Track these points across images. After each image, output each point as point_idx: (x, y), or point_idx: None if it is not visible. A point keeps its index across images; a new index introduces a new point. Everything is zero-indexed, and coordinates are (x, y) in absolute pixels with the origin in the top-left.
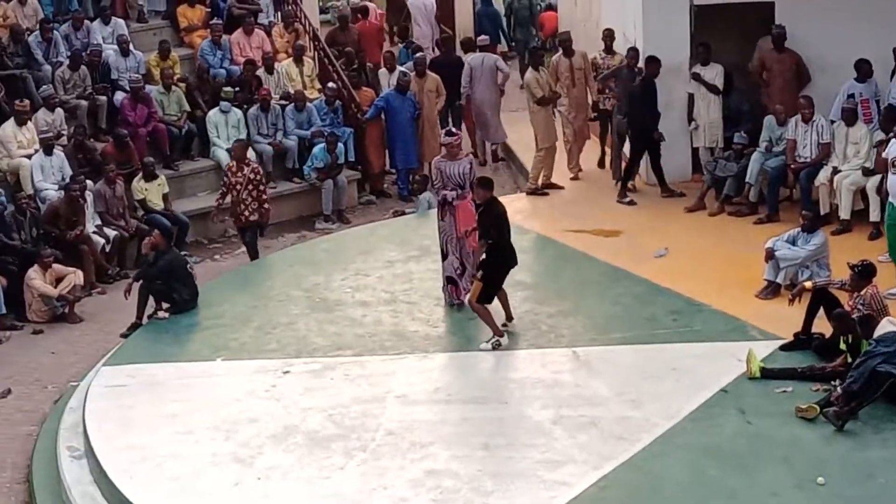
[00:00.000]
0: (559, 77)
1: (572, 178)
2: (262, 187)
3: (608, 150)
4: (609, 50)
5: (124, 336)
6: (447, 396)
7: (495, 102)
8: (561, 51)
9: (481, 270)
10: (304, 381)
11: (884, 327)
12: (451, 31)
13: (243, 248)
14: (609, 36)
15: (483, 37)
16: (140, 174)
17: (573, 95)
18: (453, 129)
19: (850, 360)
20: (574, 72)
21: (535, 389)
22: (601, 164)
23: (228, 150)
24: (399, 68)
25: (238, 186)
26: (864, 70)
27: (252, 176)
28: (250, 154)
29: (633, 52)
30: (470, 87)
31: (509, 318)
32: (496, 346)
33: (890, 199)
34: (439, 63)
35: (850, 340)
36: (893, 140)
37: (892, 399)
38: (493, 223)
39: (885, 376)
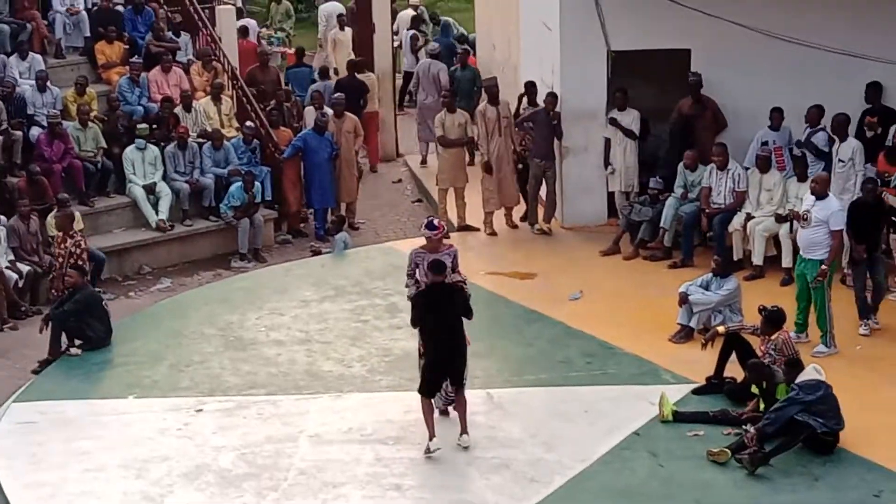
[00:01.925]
0: (486, 125)
1: (489, 234)
2: (80, 262)
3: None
4: (533, 103)
5: (35, 372)
6: (360, 436)
7: (439, 105)
8: (487, 98)
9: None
10: (216, 420)
11: (808, 374)
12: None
13: (158, 286)
14: (531, 87)
15: (433, 45)
16: (55, 210)
17: (498, 144)
18: (435, 221)
19: (762, 404)
20: (501, 119)
21: (448, 430)
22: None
23: (145, 187)
24: (326, 108)
25: (60, 259)
26: (776, 119)
27: (73, 249)
28: (163, 188)
29: (552, 96)
30: (416, 91)
31: (461, 430)
32: (426, 452)
33: (801, 252)
34: (344, 84)
35: (763, 386)
36: (805, 195)
37: (807, 447)
38: (418, 310)
39: (804, 426)
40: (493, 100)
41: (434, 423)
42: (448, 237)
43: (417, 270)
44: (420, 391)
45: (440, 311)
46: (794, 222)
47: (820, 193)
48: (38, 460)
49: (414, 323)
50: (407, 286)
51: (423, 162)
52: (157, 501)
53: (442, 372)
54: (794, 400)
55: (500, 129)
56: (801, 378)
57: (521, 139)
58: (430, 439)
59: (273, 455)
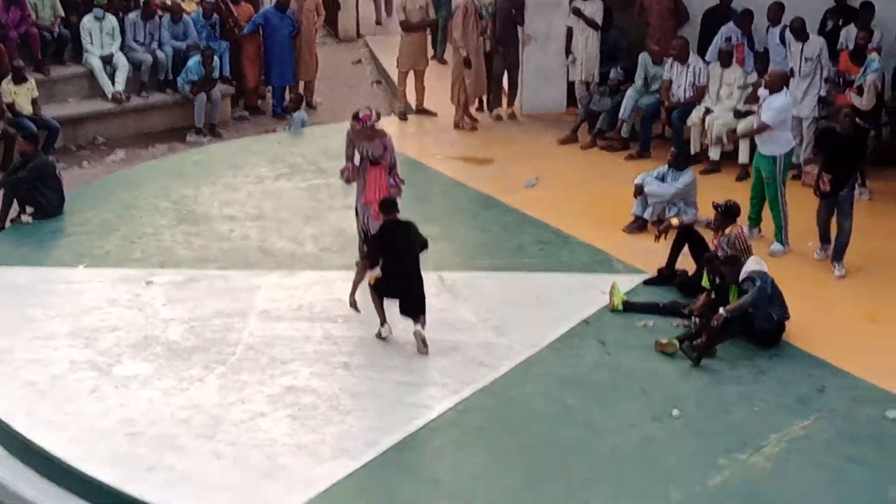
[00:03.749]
0: (465, 20)
1: (472, 129)
2: None
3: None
4: None
5: None
6: (310, 314)
7: None
8: None
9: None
10: (167, 292)
11: (750, 265)
12: None
13: (112, 157)
14: None
15: None
16: (9, 76)
17: (474, 39)
18: (361, 113)
19: (713, 297)
20: (476, 12)
21: (399, 318)
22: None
23: (101, 58)
24: None
25: None
26: (746, 21)
27: None
28: (120, 59)
29: None
30: None
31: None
32: (377, 336)
33: (758, 148)
34: None
35: (715, 280)
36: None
37: (750, 336)
38: (371, 247)
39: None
40: None
41: (385, 310)
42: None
43: (355, 153)
44: (373, 287)
45: (398, 251)
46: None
47: (771, 87)
48: None
49: (372, 263)
50: (341, 170)
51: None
52: (105, 371)
53: (403, 301)
54: (762, 289)
55: (476, 23)
56: (745, 270)
57: (484, 28)
58: (382, 325)
59: (222, 329)
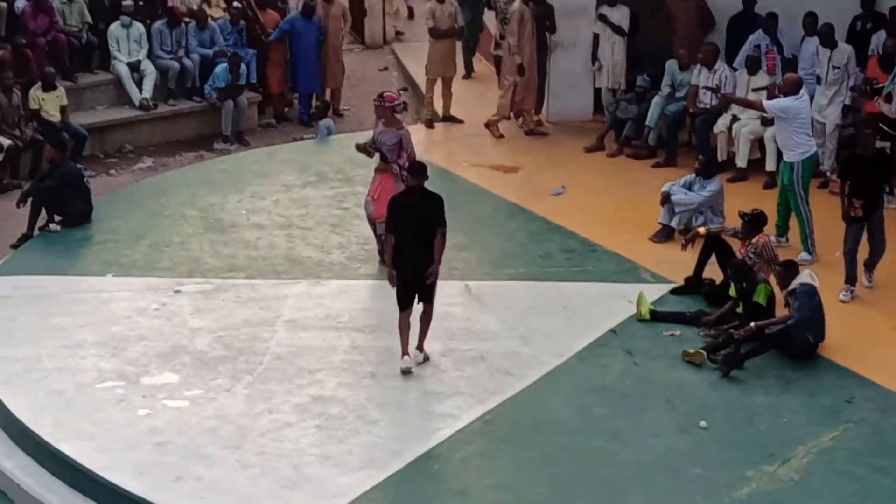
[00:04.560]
0: (522, 27)
1: (498, 136)
2: None
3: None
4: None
5: (14, 247)
6: (337, 324)
7: None
8: None
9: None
10: (194, 301)
11: (804, 278)
12: None
13: (140, 165)
14: None
15: None
16: (38, 84)
17: (529, 49)
18: (386, 93)
19: (740, 306)
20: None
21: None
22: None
23: (128, 65)
24: None
25: None
26: (771, 25)
27: None
28: (147, 67)
29: None
30: None
31: (418, 346)
32: (404, 371)
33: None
34: None
35: (742, 287)
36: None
37: (780, 348)
38: (394, 217)
39: (786, 337)
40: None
41: (408, 341)
42: (404, 109)
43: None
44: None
45: (416, 220)
46: None
47: (786, 93)
48: (11, 335)
49: (389, 229)
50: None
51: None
52: (133, 380)
53: (412, 290)
54: (804, 315)
55: (534, 30)
56: (797, 281)
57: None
58: (402, 356)
59: (249, 339)
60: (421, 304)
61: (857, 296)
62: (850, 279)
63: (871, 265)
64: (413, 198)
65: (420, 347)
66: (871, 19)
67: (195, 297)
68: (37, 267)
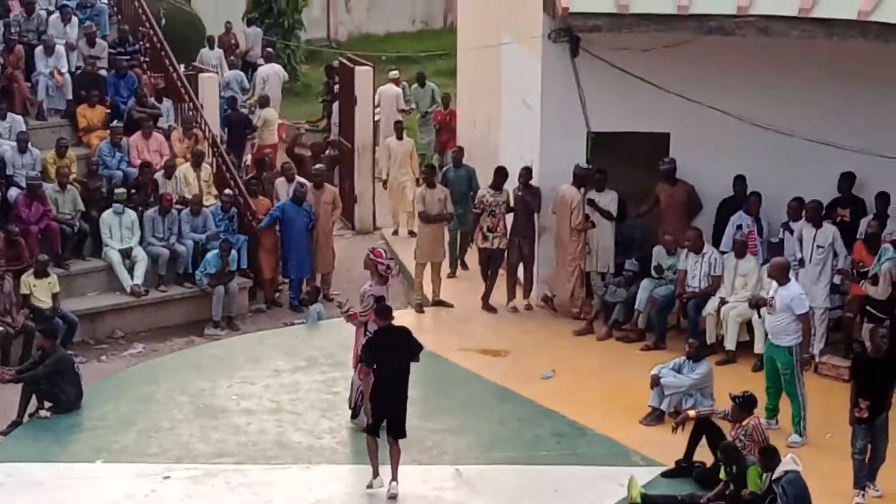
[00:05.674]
0: (572, 211)
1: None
2: None
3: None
4: (498, 187)
5: (3, 434)
6: None
7: None
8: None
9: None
10: (184, 487)
11: (787, 464)
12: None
13: (130, 351)
14: (527, 173)
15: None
16: (30, 271)
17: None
18: (376, 251)
19: (731, 488)
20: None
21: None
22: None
23: (120, 251)
24: (297, 178)
25: None
26: (753, 203)
27: None
28: (139, 253)
29: (526, 170)
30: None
31: (392, 477)
32: (368, 487)
33: (769, 337)
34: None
35: (732, 470)
36: (771, 281)
37: None
38: (372, 352)
39: None
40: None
41: (378, 463)
42: (394, 275)
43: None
44: (368, 430)
45: (392, 355)
46: (763, 309)
47: (775, 278)
48: None
49: (368, 362)
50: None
51: (396, 233)
52: None
53: (385, 418)
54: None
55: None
56: (781, 468)
57: (495, 225)
58: (374, 477)
59: None
60: (391, 441)
61: (849, 478)
62: (858, 483)
63: (872, 471)
64: (385, 339)
65: (395, 479)
66: (849, 203)
67: (185, 482)
68: (27, 454)
